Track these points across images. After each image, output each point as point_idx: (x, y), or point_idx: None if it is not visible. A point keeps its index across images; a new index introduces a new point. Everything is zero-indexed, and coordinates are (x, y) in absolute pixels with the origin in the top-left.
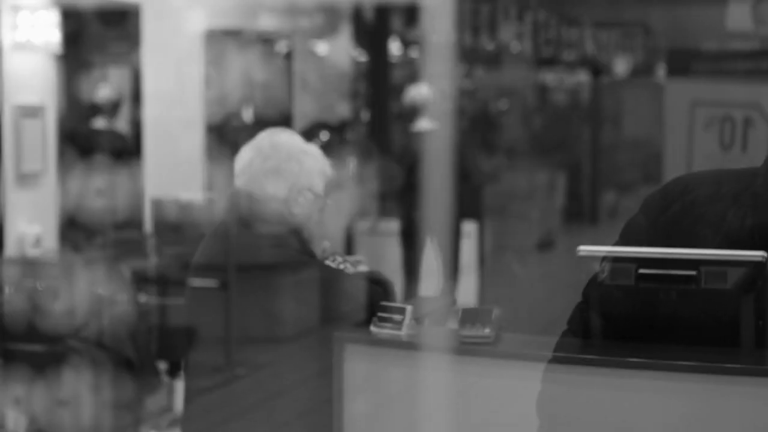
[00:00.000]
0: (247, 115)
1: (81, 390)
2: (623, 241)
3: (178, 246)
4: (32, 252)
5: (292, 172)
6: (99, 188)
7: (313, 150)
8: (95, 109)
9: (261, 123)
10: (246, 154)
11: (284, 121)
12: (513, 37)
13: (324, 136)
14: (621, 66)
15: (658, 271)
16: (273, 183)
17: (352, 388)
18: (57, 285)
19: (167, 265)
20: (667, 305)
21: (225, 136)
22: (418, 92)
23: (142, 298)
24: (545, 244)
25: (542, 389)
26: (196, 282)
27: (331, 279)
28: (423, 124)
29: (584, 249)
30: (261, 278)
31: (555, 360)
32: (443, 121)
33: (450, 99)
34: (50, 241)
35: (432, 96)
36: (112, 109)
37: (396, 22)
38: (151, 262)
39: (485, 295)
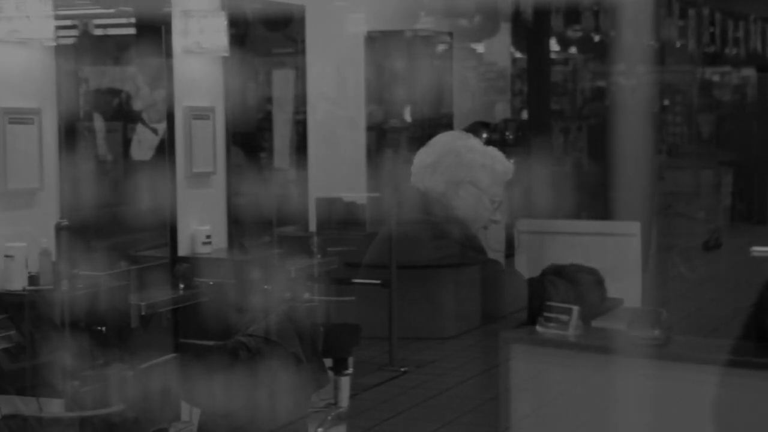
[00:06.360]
0: (407, 115)
1: (252, 384)
2: None
3: (341, 245)
4: (203, 250)
5: (450, 165)
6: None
7: (484, 149)
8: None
9: (421, 123)
10: (418, 153)
11: (445, 120)
12: (676, 33)
13: (484, 135)
14: None
15: None
16: (431, 176)
17: (517, 387)
18: (227, 282)
19: (330, 263)
20: None
21: (385, 136)
22: None
23: (307, 295)
24: (712, 245)
25: (718, 394)
26: (361, 280)
27: (493, 276)
28: None
29: (759, 249)
30: (424, 276)
31: (730, 363)
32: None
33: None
34: (220, 240)
35: None
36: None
37: (555, 21)
38: (315, 261)
39: (651, 296)
